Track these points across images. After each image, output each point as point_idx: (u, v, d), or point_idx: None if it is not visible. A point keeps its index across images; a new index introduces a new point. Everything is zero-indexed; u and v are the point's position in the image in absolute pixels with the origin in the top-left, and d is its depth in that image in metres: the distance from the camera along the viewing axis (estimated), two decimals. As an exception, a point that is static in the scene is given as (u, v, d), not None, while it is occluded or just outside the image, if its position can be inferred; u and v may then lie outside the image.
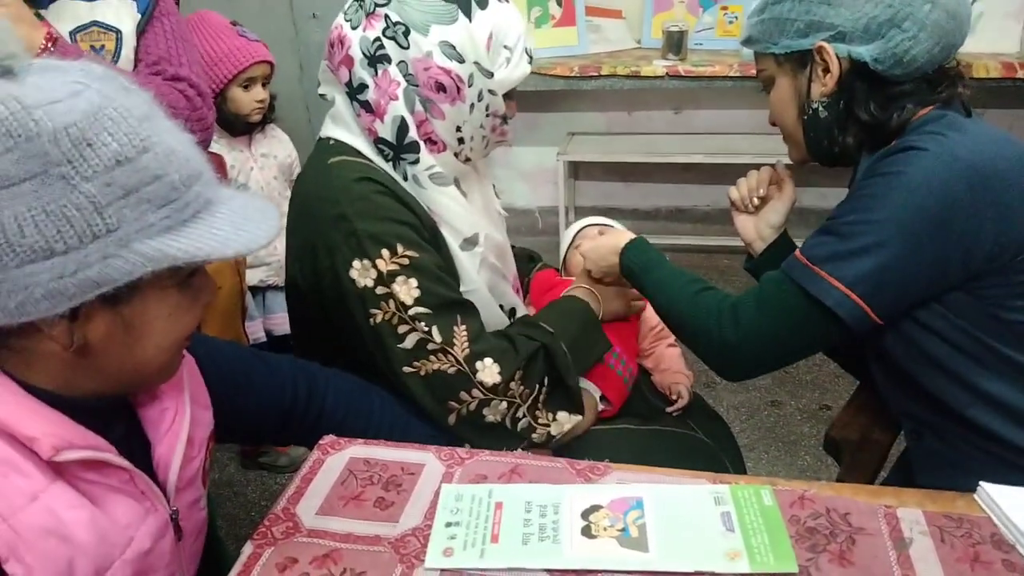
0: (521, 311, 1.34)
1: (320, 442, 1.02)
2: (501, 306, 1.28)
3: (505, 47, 1.14)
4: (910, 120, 1.04)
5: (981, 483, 0.89)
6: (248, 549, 0.86)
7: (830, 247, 1.00)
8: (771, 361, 1.09)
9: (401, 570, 0.82)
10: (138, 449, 0.78)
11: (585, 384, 1.26)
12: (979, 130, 1.02)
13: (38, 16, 1.23)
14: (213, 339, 1.00)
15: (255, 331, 2.16)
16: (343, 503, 0.92)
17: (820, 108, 1.09)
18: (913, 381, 1.07)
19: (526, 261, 1.55)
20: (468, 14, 1.10)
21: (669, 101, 3.34)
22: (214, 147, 2.00)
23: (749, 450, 2.35)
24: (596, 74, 2.96)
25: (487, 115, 1.16)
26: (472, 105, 1.13)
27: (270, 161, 2.17)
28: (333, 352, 1.18)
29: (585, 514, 0.88)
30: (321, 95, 1.20)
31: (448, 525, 0.87)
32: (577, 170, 3.53)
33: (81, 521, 0.67)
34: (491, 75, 1.13)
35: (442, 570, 0.82)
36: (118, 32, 1.32)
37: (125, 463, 0.72)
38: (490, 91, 1.14)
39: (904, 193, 0.95)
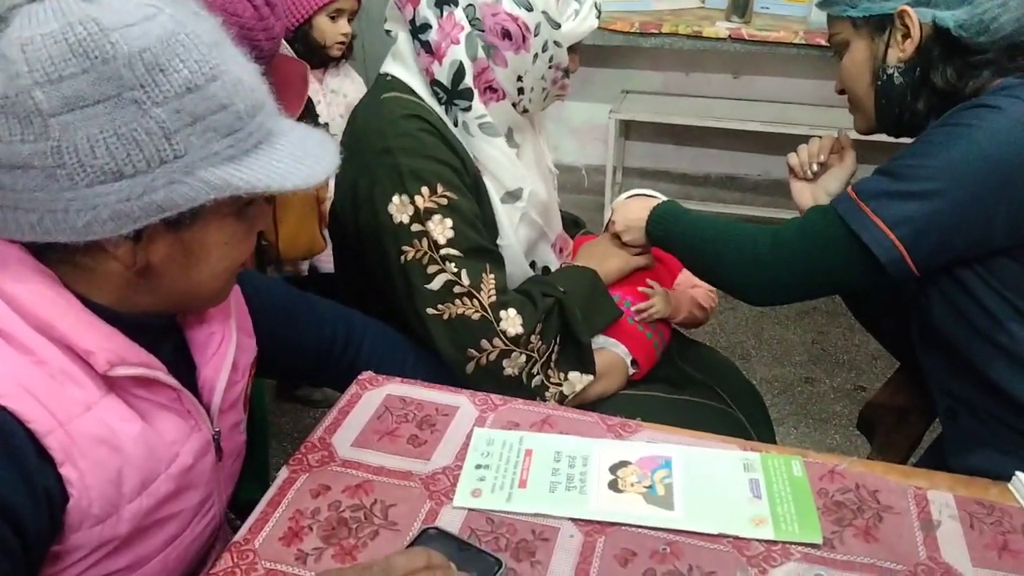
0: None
1: (359, 377, 1.04)
2: (534, 263, 1.28)
3: (576, 0, 1.13)
4: (985, 87, 1.02)
5: (1018, 472, 0.88)
6: (284, 473, 0.89)
7: (880, 185, 1.00)
8: (798, 287, 1.09)
9: (430, 506, 0.84)
10: (184, 370, 0.80)
11: (615, 346, 1.26)
12: None
13: None
14: (261, 275, 1.03)
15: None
16: (378, 437, 0.94)
17: (896, 74, 1.07)
18: (954, 352, 1.06)
19: (571, 226, 1.55)
20: None
21: (729, 65, 3.26)
22: None
23: (779, 424, 2.34)
24: (656, 31, 2.89)
25: (549, 67, 1.15)
26: (536, 55, 1.12)
27: (339, 98, 2.17)
28: (371, 291, 1.19)
29: (613, 468, 0.89)
30: (387, 31, 1.20)
31: (478, 467, 0.89)
32: (628, 129, 3.48)
33: (131, 434, 0.70)
34: (558, 26, 1.12)
35: (469, 509, 0.84)
36: None
37: (173, 382, 0.74)
38: (555, 42, 1.13)
39: (968, 144, 0.95)
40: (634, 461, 0.90)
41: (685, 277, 1.44)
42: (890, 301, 1.25)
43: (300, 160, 0.69)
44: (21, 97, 0.59)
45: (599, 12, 1.17)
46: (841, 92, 1.18)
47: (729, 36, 2.85)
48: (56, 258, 0.67)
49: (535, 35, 1.11)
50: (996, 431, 1.06)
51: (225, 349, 0.83)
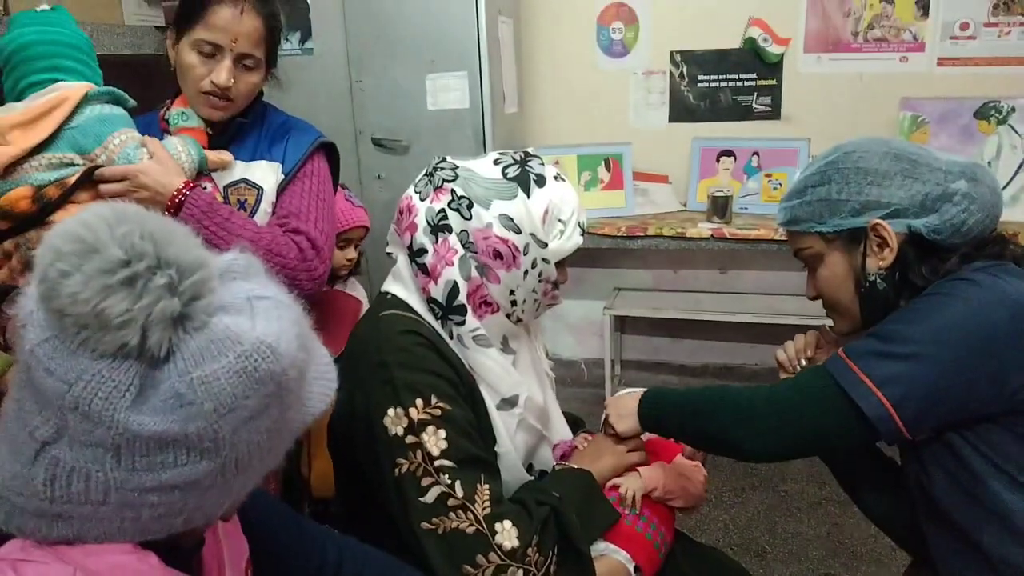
0: None
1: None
2: (531, 467, 1.29)
3: (560, 220, 1.23)
4: (956, 269, 1.09)
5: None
6: None
7: (869, 347, 1.06)
8: (791, 441, 1.11)
9: None
10: None
11: (615, 552, 1.25)
12: None
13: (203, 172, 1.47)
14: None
15: None
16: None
17: (878, 280, 1.14)
18: (956, 527, 1.07)
19: (571, 426, 1.58)
20: (527, 191, 1.19)
21: (715, 261, 3.43)
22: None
23: (802, 625, 2.25)
24: (642, 234, 3.08)
25: (540, 280, 1.23)
26: (526, 271, 1.20)
27: None
28: (369, 507, 1.20)
29: None
30: (388, 253, 1.30)
31: None
32: (624, 324, 3.60)
33: None
34: (545, 245, 1.21)
35: None
36: (260, 189, 1.51)
37: None
38: (544, 259, 1.21)
39: (948, 312, 1.02)
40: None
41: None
42: (897, 492, 1.26)
43: (327, 387, 0.74)
44: (205, 431, 0.60)
45: (583, 230, 1.27)
46: (814, 298, 1.24)
47: (711, 235, 3.02)
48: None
49: (524, 254, 1.19)
50: None
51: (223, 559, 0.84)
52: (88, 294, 0.57)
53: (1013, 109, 2.83)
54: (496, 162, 1.24)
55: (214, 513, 0.65)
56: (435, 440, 1.12)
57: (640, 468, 1.36)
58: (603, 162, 3.32)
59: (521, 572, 1.11)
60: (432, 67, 2.78)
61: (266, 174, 1.52)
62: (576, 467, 1.30)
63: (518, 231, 1.19)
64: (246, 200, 1.51)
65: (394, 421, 1.12)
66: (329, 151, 1.66)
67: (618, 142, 3.34)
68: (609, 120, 3.42)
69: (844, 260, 1.17)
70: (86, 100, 1.36)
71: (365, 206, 2.18)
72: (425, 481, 1.11)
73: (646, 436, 1.37)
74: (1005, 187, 2.86)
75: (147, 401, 0.59)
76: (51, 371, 0.59)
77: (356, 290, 2.34)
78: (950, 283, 1.06)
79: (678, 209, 3.34)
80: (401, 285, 1.26)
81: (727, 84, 3.30)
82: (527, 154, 1.26)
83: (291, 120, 1.62)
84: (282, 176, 1.53)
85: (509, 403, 1.24)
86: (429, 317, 1.22)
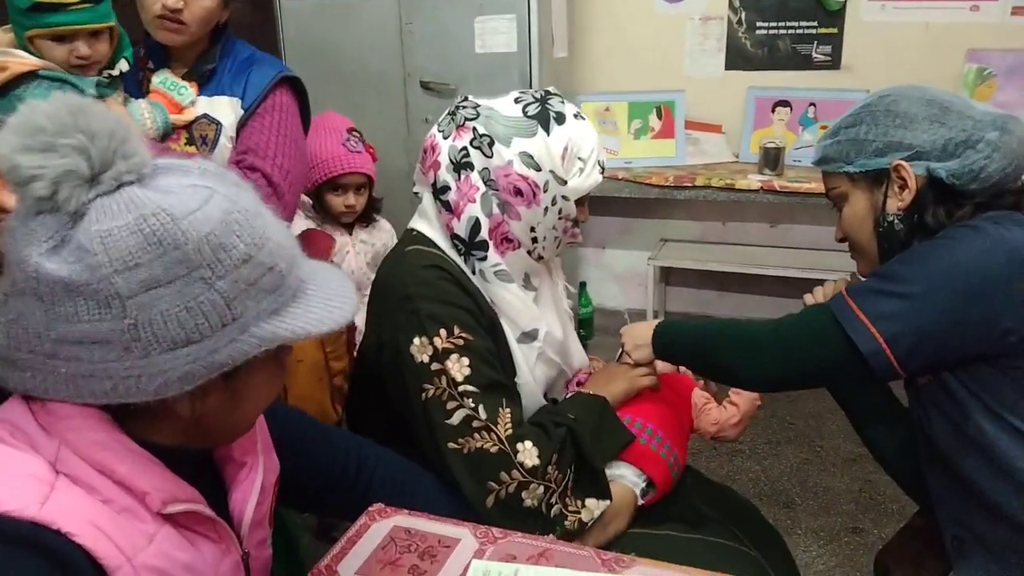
0: None
1: (369, 508, 1.10)
2: (555, 400, 1.34)
3: (579, 158, 1.25)
4: (970, 217, 1.11)
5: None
6: (290, 598, 0.94)
7: (868, 286, 1.09)
8: (791, 373, 1.17)
9: (422, 634, 0.88)
10: (215, 493, 0.86)
11: (627, 470, 1.29)
12: None
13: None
14: (278, 402, 1.10)
15: None
16: (380, 566, 0.99)
17: (896, 221, 1.16)
18: (954, 470, 1.09)
19: None
20: (547, 129, 1.22)
21: (765, 214, 3.38)
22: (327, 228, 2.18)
23: (826, 575, 2.27)
24: (690, 184, 3.05)
25: (560, 218, 1.26)
26: (546, 208, 1.24)
27: (367, 247, 2.32)
28: (393, 430, 1.27)
29: (602, 602, 0.92)
30: (415, 192, 1.34)
31: (472, 597, 0.93)
32: (669, 275, 3.59)
33: (184, 561, 0.76)
34: (565, 183, 1.24)
35: (460, 638, 0.88)
36: (219, 125, 1.54)
37: (213, 514, 0.80)
38: (563, 197, 1.24)
39: (948, 256, 1.04)
40: (623, 595, 0.93)
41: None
42: (904, 436, 1.27)
43: (329, 305, 0.78)
44: (102, 284, 0.65)
45: (603, 168, 1.29)
46: (842, 239, 1.26)
47: (761, 188, 2.98)
48: (116, 407, 0.73)
49: (544, 191, 1.23)
50: (1003, 560, 1.06)
51: (255, 472, 0.90)
52: (7, 151, 0.65)
53: (1089, 62, 2.68)
54: (517, 100, 1.26)
55: (146, 387, 0.69)
56: (458, 367, 1.17)
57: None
58: (655, 110, 3.29)
59: (541, 488, 1.17)
60: (481, 9, 2.78)
61: (225, 109, 1.54)
62: (591, 392, 1.34)
63: (538, 168, 1.22)
64: (207, 135, 1.53)
65: (420, 349, 1.18)
66: (295, 86, 1.65)
67: (671, 89, 3.29)
68: (663, 67, 3.36)
69: (866, 200, 1.18)
70: (34, 77, 1.37)
71: (375, 151, 2.18)
72: (450, 405, 1.17)
73: (660, 367, 1.42)
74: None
75: (60, 252, 0.66)
76: (8, 230, 0.69)
77: (381, 227, 2.35)
78: (954, 229, 1.07)
79: (730, 160, 3.29)
80: (426, 222, 1.30)
81: (787, 32, 3.21)
82: (547, 92, 1.28)
83: (257, 55, 1.62)
84: (241, 111, 1.55)
85: (529, 336, 1.29)
86: (452, 253, 1.27)
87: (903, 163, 1.13)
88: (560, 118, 1.24)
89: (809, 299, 1.36)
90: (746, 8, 3.22)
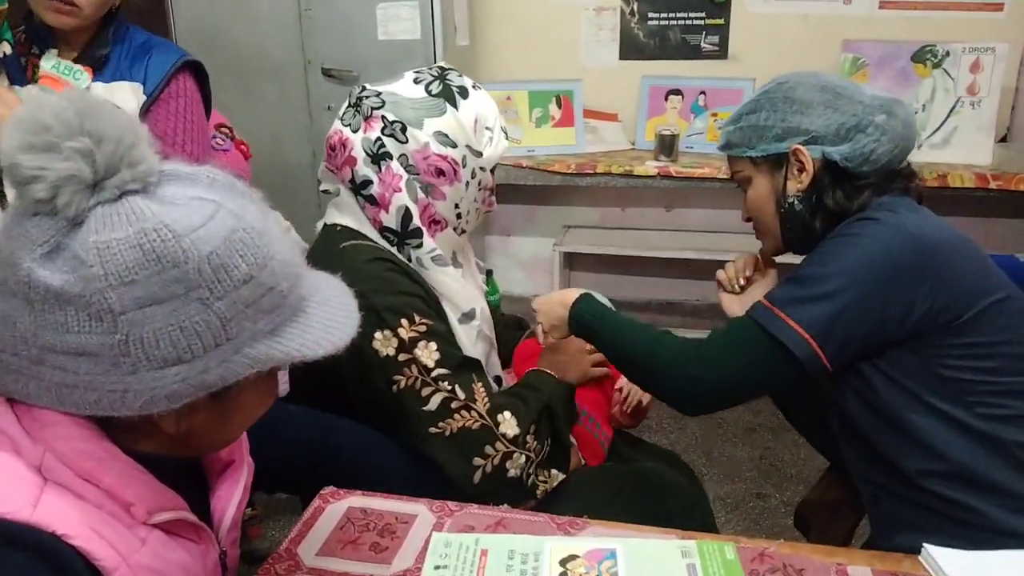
0: (505, 380, 1.43)
1: (321, 492, 1.10)
2: (498, 378, 1.37)
3: (487, 128, 1.28)
4: (867, 204, 1.19)
5: (925, 545, 0.97)
6: (252, 583, 0.93)
7: (790, 293, 1.14)
8: (731, 395, 1.19)
9: (392, 606, 0.89)
10: (197, 492, 0.85)
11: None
12: (926, 213, 1.18)
13: None
14: None
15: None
16: (341, 546, 0.99)
17: (796, 202, 1.23)
18: (869, 443, 1.17)
19: (515, 328, 1.65)
20: (454, 105, 1.24)
21: (661, 199, 3.51)
22: None
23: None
24: (591, 172, 3.13)
25: (479, 189, 1.29)
26: (467, 183, 1.26)
27: None
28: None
29: (563, 562, 0.95)
30: (324, 191, 1.32)
31: (437, 568, 0.95)
32: (572, 261, 3.67)
33: (174, 561, 0.74)
34: (480, 154, 1.26)
35: (430, 608, 0.89)
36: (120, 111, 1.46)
37: (196, 520, 0.78)
38: (480, 168, 1.27)
39: (857, 250, 1.10)
40: (582, 554, 0.97)
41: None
42: (814, 403, 1.37)
43: (328, 326, 0.75)
44: (95, 297, 0.62)
45: (506, 134, 1.32)
46: (747, 220, 1.34)
47: (658, 173, 3.08)
48: (103, 417, 0.70)
49: (463, 166, 1.25)
50: (915, 512, 1.15)
51: (239, 473, 0.88)
52: (9, 147, 0.63)
53: (948, 53, 2.92)
54: (416, 81, 1.26)
55: (132, 403, 0.66)
56: (428, 353, 1.18)
57: None
58: (554, 99, 3.34)
59: (523, 457, 1.21)
60: (383, -4, 2.76)
61: (126, 95, 1.49)
62: (557, 377, 1.36)
63: (454, 145, 1.23)
64: None
65: (383, 343, 1.17)
66: (197, 71, 1.62)
67: (569, 79, 3.36)
68: (560, 56, 3.43)
69: (768, 182, 1.26)
70: None
71: (248, 146, 2.09)
72: (425, 391, 1.18)
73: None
74: (937, 130, 2.97)
75: (54, 260, 0.63)
76: (3, 227, 0.66)
77: None
78: (856, 223, 1.15)
79: (627, 147, 3.39)
80: (350, 216, 1.28)
81: (677, 23, 3.33)
82: (442, 68, 1.29)
83: (153, 39, 1.58)
84: (144, 97, 1.50)
85: (468, 316, 1.31)
86: (384, 244, 1.26)
87: (800, 147, 1.20)
88: (463, 92, 1.26)
89: (721, 274, 1.44)
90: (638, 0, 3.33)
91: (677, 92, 3.33)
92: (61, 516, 0.66)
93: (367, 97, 1.24)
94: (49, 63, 1.46)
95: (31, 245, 0.63)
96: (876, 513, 1.23)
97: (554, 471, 1.26)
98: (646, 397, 1.53)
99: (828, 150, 1.19)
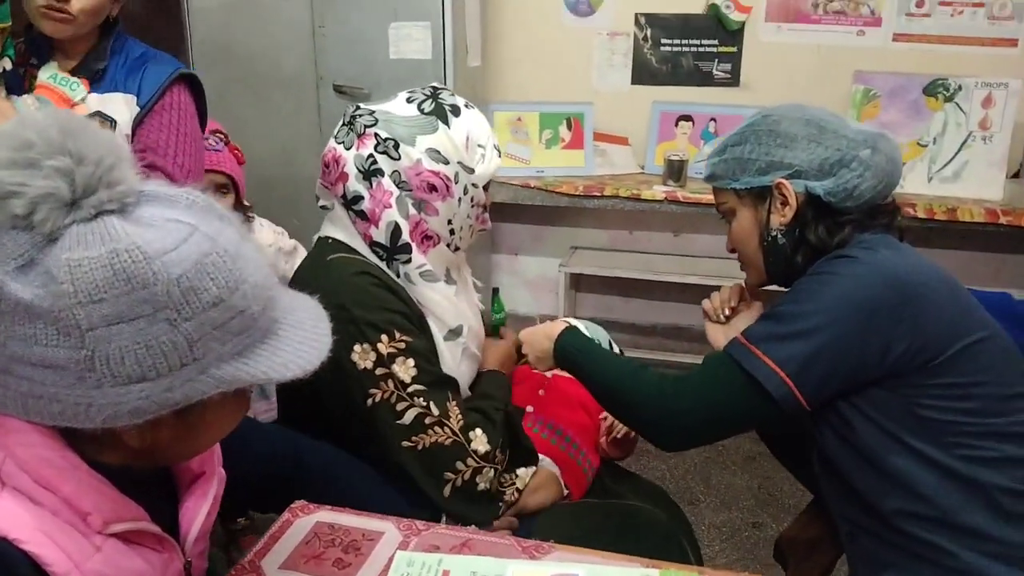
0: None
1: (291, 505, 1.10)
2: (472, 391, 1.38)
3: (479, 145, 1.30)
4: (848, 241, 1.18)
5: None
6: (214, 594, 0.93)
7: (767, 329, 1.13)
8: (707, 431, 1.19)
9: (349, 624, 0.89)
10: (165, 502, 0.86)
11: (551, 465, 1.35)
12: (906, 251, 1.17)
13: None
14: None
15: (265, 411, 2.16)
16: (304, 560, 1.00)
17: (779, 236, 1.23)
18: (847, 480, 1.16)
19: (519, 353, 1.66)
20: (446, 122, 1.26)
21: (670, 224, 3.51)
22: None
23: (727, 569, 2.37)
24: (599, 194, 3.14)
25: (472, 206, 1.31)
26: (459, 199, 1.28)
27: None
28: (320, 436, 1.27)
29: (524, 586, 0.95)
30: (322, 207, 1.34)
31: (397, 587, 0.95)
32: (579, 282, 3.67)
33: (131, 569, 0.75)
34: (472, 171, 1.28)
35: (386, 626, 0.89)
36: (113, 122, 1.50)
37: (157, 530, 0.79)
38: (473, 184, 1.29)
39: (834, 289, 1.10)
40: (544, 579, 0.96)
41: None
42: (799, 438, 1.35)
43: (298, 349, 0.75)
44: (63, 313, 0.64)
45: (499, 151, 1.34)
46: (732, 251, 1.34)
47: (666, 198, 3.09)
48: (68, 428, 0.71)
49: (456, 183, 1.26)
50: (890, 552, 1.14)
51: (208, 485, 0.89)
52: None
53: (960, 87, 2.91)
54: (409, 100, 1.29)
55: (95, 416, 0.67)
56: (405, 369, 1.20)
57: None
58: (565, 121, 3.36)
59: (492, 471, 1.23)
60: (395, 15, 2.80)
61: (119, 107, 1.51)
62: (494, 370, 1.40)
63: (446, 162, 1.25)
64: None
65: (361, 356, 1.19)
66: (192, 84, 1.64)
67: (580, 102, 3.38)
68: (572, 79, 3.45)
69: (752, 215, 1.25)
70: None
71: (241, 151, 2.11)
72: (400, 406, 1.20)
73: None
74: (948, 164, 2.96)
75: (27, 274, 0.65)
76: None
77: (258, 234, 2.18)
78: (833, 261, 1.14)
79: (636, 171, 3.40)
80: (342, 230, 1.30)
81: (689, 49, 3.35)
82: (435, 87, 1.32)
83: (150, 52, 1.60)
84: (137, 108, 1.52)
85: (455, 333, 1.32)
86: (374, 258, 1.28)
87: (784, 181, 1.20)
88: (455, 110, 1.28)
89: (707, 304, 1.43)
90: (651, 25, 3.35)
91: (688, 118, 3.34)
92: (15, 520, 0.67)
93: (360, 116, 1.26)
94: (46, 74, 1.49)
95: (5, 258, 0.65)
96: (853, 551, 1.22)
97: (520, 470, 1.28)
98: None
99: (811, 184, 1.18)
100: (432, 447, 1.20)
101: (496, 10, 3.38)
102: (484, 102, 3.29)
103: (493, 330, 3.56)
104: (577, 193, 3.16)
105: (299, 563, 0.99)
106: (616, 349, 1.60)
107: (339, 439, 1.24)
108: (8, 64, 1.45)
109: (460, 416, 1.22)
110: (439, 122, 1.25)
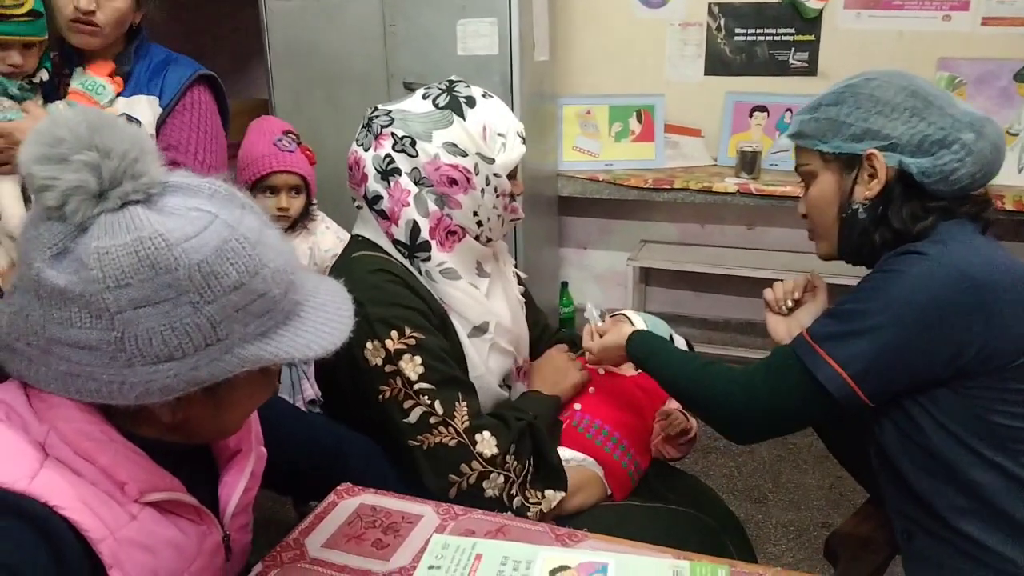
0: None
1: (338, 488, 1.15)
2: (510, 388, 1.39)
3: (499, 134, 1.29)
4: (928, 230, 1.12)
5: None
6: (258, 567, 0.99)
7: (830, 328, 1.10)
8: (774, 426, 1.18)
9: (382, 601, 0.93)
10: (205, 477, 0.92)
11: (593, 465, 1.35)
12: (984, 245, 1.10)
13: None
14: None
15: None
16: (345, 540, 1.04)
17: (860, 210, 1.16)
18: (905, 479, 1.13)
19: (570, 346, 1.67)
20: (461, 115, 1.26)
21: (743, 217, 3.44)
22: None
23: (793, 569, 2.32)
24: (669, 187, 3.11)
25: (497, 196, 1.30)
26: (482, 190, 1.28)
27: (304, 249, 2.17)
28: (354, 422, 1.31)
29: (554, 572, 0.97)
30: (357, 206, 1.38)
31: (431, 568, 0.98)
32: (648, 276, 3.64)
33: (164, 537, 0.81)
34: (492, 161, 1.28)
35: (418, 605, 0.93)
36: (138, 123, 1.58)
37: (193, 501, 0.85)
38: (495, 175, 1.29)
39: (900, 288, 1.05)
40: (574, 567, 0.98)
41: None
42: (856, 434, 1.32)
43: (321, 330, 0.80)
44: (94, 297, 0.69)
45: (523, 139, 1.33)
46: (804, 217, 1.27)
47: (738, 191, 3.04)
48: (105, 404, 0.76)
49: (476, 174, 1.27)
50: (946, 552, 1.10)
51: (246, 461, 0.95)
52: (27, 159, 0.70)
53: (1055, 72, 2.76)
54: (425, 96, 1.30)
55: (128, 393, 0.73)
56: (412, 366, 1.21)
57: None
58: (635, 113, 3.34)
59: (501, 477, 1.22)
60: (463, 12, 2.83)
61: (143, 108, 1.59)
62: (545, 393, 1.40)
63: (464, 154, 1.26)
64: None
65: (372, 353, 1.22)
66: (213, 84, 1.69)
67: (651, 93, 3.35)
68: (643, 71, 3.42)
69: (835, 182, 1.19)
70: None
71: (313, 153, 2.12)
72: (407, 404, 1.21)
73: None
74: (1039, 153, 2.81)
75: (61, 261, 0.70)
76: (23, 228, 0.74)
77: (317, 232, 2.20)
78: (900, 258, 1.09)
79: (708, 163, 3.35)
80: (371, 228, 1.33)
81: (764, 38, 3.27)
82: (451, 81, 1.32)
83: (172, 55, 1.67)
84: (160, 109, 1.59)
85: (480, 330, 1.33)
86: (398, 255, 1.30)
87: (876, 152, 1.13)
88: (471, 101, 1.28)
89: (768, 294, 1.40)
90: (725, 15, 3.29)
91: (763, 108, 3.27)
92: (56, 489, 0.72)
93: (377, 117, 1.28)
94: (77, 80, 1.59)
95: (42, 247, 0.71)
96: (909, 550, 1.18)
97: (548, 491, 1.26)
98: (692, 427, 1.51)
99: (906, 161, 1.11)
100: (437, 447, 1.20)
101: (566, 4, 3.39)
102: (553, 96, 3.30)
103: (562, 323, 3.58)
104: (646, 186, 3.14)
105: (340, 542, 1.04)
106: (680, 340, 1.60)
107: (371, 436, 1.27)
108: (45, 75, 1.55)
109: (467, 418, 1.22)
110: (454, 115, 1.26)
